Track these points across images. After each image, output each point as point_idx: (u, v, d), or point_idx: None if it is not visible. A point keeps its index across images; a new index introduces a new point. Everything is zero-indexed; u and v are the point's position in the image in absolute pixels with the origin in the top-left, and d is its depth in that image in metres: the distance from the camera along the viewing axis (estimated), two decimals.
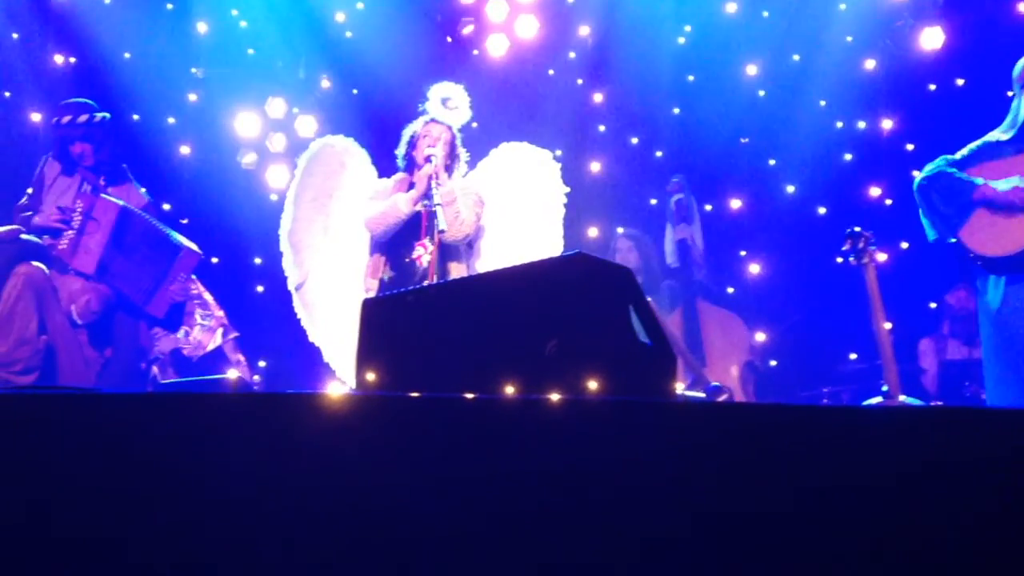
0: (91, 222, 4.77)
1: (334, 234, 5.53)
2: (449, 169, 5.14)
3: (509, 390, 2.37)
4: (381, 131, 5.75)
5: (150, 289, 4.84)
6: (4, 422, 1.74)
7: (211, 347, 5.83)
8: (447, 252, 5.01)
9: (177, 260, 4.91)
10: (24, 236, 4.83)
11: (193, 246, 5.03)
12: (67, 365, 4.72)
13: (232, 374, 5.48)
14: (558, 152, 5.98)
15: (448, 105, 5.36)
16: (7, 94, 6.50)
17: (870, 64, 7.02)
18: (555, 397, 1.86)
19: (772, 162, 7.14)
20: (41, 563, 1.65)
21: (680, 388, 5.12)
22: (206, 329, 5.85)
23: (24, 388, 4.07)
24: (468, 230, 5.10)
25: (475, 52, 7.02)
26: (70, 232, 4.77)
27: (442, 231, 4.74)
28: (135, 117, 6.61)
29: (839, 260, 6.20)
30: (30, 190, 5.01)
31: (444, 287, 3.57)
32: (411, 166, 5.19)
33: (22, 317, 4.59)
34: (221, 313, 5.94)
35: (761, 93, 7.13)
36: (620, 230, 6.46)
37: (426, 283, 4.77)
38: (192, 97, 6.83)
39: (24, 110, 6.37)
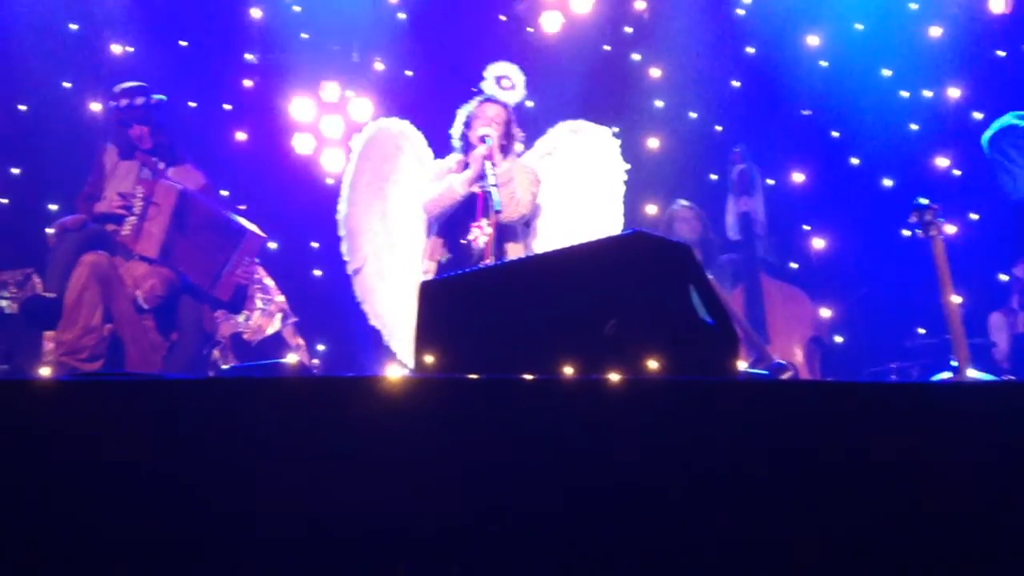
0: (152, 206, 4.82)
1: (391, 217, 5.54)
2: (505, 149, 5.12)
3: (568, 371, 2.34)
4: (436, 112, 5.72)
5: (216, 273, 4.89)
6: (71, 408, 1.76)
7: (270, 332, 5.86)
8: (504, 232, 4.99)
9: (242, 244, 4.95)
10: (89, 225, 4.89)
11: (256, 229, 5.06)
12: (133, 351, 4.79)
13: (292, 358, 5.51)
14: (615, 129, 5.92)
15: (503, 84, 5.34)
16: (67, 84, 6.58)
17: (936, 31, 6.85)
18: (615, 377, 1.83)
19: (835, 134, 7.01)
20: (108, 547, 1.68)
21: (743, 366, 5.04)
22: (266, 314, 5.89)
23: (89, 375, 4.12)
24: (524, 210, 5.07)
25: (529, 29, 6.97)
26: (132, 218, 4.82)
27: (498, 211, 4.72)
28: (192, 104, 6.65)
29: (906, 233, 6.09)
30: (90, 178, 5.06)
31: (501, 268, 3.55)
32: (467, 147, 5.16)
33: (88, 306, 4.66)
34: (282, 298, 5.97)
35: (823, 64, 6.99)
36: (681, 201, 6.37)
37: (483, 264, 4.75)
38: (247, 83, 6.86)
39: (84, 100, 6.43)
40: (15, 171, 6.47)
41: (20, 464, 1.71)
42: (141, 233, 4.82)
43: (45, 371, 4.70)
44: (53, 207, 6.17)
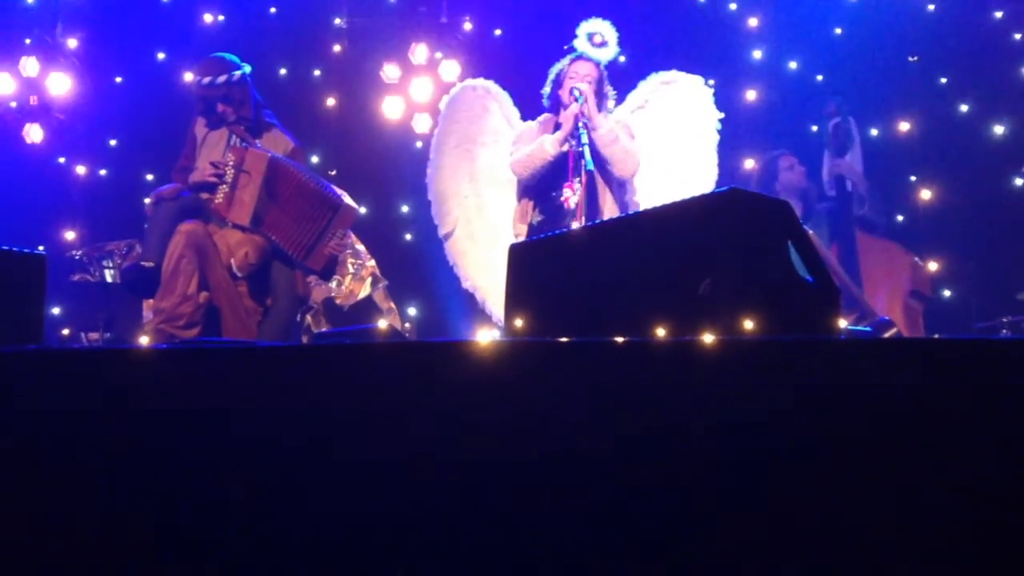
0: (242, 175, 4.84)
1: (480, 180, 5.52)
2: (597, 108, 5.02)
3: (662, 332, 2.27)
4: (525, 72, 5.67)
5: (309, 244, 4.89)
6: (171, 375, 1.79)
7: (361, 295, 5.91)
8: (596, 192, 4.91)
9: (337, 217, 4.94)
10: (184, 194, 4.95)
11: (350, 201, 5.05)
12: (229, 318, 4.85)
13: (383, 324, 5.53)
14: (710, 82, 5.78)
15: (595, 41, 5.24)
16: (161, 55, 6.68)
17: None
18: (710, 338, 1.77)
19: (943, 80, 6.77)
20: (209, 511, 1.71)
21: (844, 324, 4.90)
22: (357, 278, 5.93)
23: (188, 343, 4.18)
24: (638, 160, 4.99)
25: None
26: (224, 187, 4.85)
27: (590, 171, 4.65)
28: (283, 71, 6.71)
29: (1018, 182, 5.85)
30: (184, 150, 5.12)
31: (592, 229, 3.49)
32: (556, 106, 5.10)
33: (185, 274, 4.72)
34: (372, 263, 6.01)
35: (931, 8, 6.74)
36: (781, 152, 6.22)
37: (575, 225, 4.68)
38: (336, 48, 6.90)
39: (178, 70, 6.53)
40: (113, 143, 6.62)
41: (119, 430, 1.74)
42: (233, 201, 4.85)
43: (144, 339, 4.79)
44: (150, 177, 6.31)
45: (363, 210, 6.60)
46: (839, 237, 5.83)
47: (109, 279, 5.87)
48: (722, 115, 5.44)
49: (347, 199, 5.04)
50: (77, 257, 5.94)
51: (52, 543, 1.71)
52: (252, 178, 4.84)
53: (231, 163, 4.86)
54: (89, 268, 5.91)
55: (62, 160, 6.49)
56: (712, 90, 5.46)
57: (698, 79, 5.49)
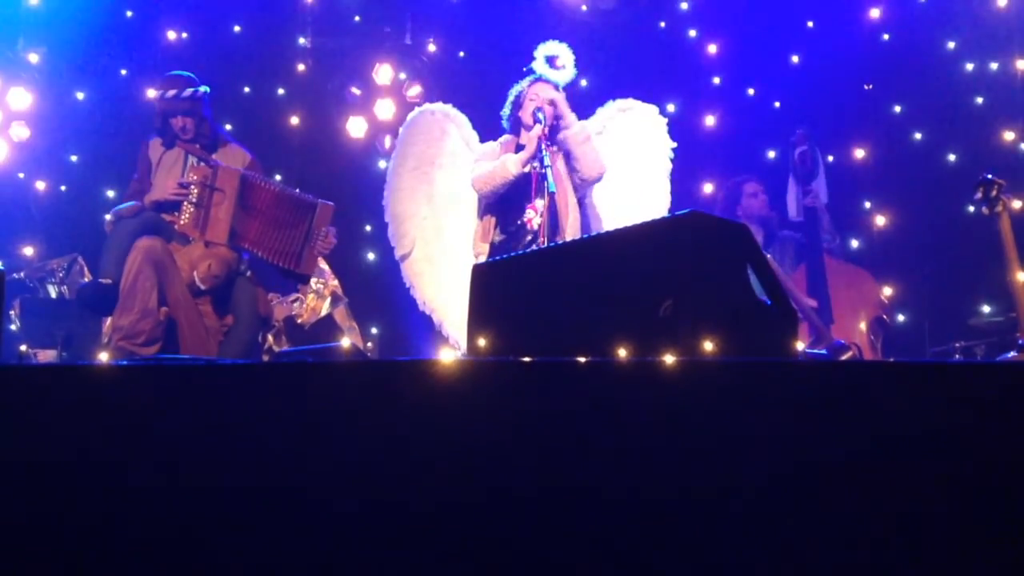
0: (216, 193, 4.85)
1: (438, 202, 5.53)
2: (555, 130, 5.06)
3: (623, 353, 2.30)
4: (490, 94, 5.69)
5: (297, 251, 4.92)
6: (131, 392, 1.77)
7: (323, 314, 5.89)
8: (558, 213, 4.94)
9: (316, 215, 4.97)
10: (144, 212, 4.92)
11: (324, 201, 5.07)
12: (188, 335, 4.81)
13: (345, 342, 5.52)
14: (670, 107, 5.84)
15: (555, 64, 5.28)
16: (124, 72, 6.65)
17: (1002, 1, 6.66)
18: (670, 359, 1.80)
19: (898, 109, 6.89)
20: (176, 524, 1.70)
21: (801, 347, 4.96)
22: (320, 296, 5.92)
23: (148, 359, 4.15)
24: (604, 164, 5.04)
25: (583, 8, 6.91)
26: (190, 207, 4.83)
27: (552, 192, 4.68)
28: (246, 90, 6.69)
29: (971, 210, 5.96)
30: (136, 174, 5.10)
31: (555, 250, 3.52)
32: (516, 127, 5.14)
33: (143, 290, 4.69)
34: (335, 282, 6.00)
35: (885, 37, 6.86)
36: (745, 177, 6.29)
37: (537, 245, 4.71)
38: (301, 67, 6.89)
39: (140, 87, 6.49)
40: (73, 158, 6.57)
41: (80, 446, 1.73)
42: (208, 220, 4.84)
43: (103, 356, 4.74)
44: (111, 193, 6.25)
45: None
46: (808, 259, 5.89)
47: (53, 296, 5.81)
48: (675, 144, 5.51)
49: (319, 200, 5.07)
50: (19, 278, 5.87)
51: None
52: (226, 195, 4.85)
53: (199, 181, 4.84)
54: (35, 288, 5.85)
55: (22, 175, 6.42)
56: (666, 119, 5.54)
57: (653, 108, 5.57)
